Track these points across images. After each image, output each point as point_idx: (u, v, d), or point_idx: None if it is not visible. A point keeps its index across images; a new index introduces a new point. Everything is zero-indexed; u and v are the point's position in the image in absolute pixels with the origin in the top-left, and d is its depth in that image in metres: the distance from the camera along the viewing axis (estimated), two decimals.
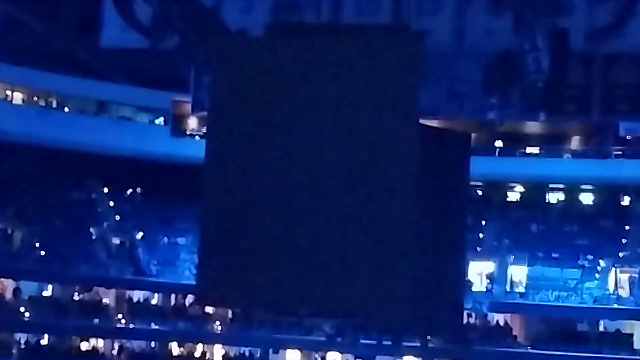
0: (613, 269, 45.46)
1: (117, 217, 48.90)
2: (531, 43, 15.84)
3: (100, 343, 46.49)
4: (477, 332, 44.79)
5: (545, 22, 15.89)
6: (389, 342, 40.79)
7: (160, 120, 50.27)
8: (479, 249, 45.90)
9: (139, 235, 48.20)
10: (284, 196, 14.73)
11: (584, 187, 49.21)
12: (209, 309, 45.13)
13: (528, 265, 46.30)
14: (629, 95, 19.03)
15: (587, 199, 49.64)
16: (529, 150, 48.65)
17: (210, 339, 46.65)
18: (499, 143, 48.09)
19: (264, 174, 14.82)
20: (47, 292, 46.80)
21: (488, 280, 45.51)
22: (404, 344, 41.29)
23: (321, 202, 14.60)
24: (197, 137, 47.34)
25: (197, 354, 46.92)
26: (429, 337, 38.98)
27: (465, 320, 42.04)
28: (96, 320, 45.33)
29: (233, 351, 46.74)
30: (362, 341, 42.19)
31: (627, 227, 47.11)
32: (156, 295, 48.03)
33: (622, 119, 41.90)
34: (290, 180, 14.73)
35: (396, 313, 14.94)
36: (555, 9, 16.17)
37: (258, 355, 46.45)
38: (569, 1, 16.72)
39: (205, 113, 17.23)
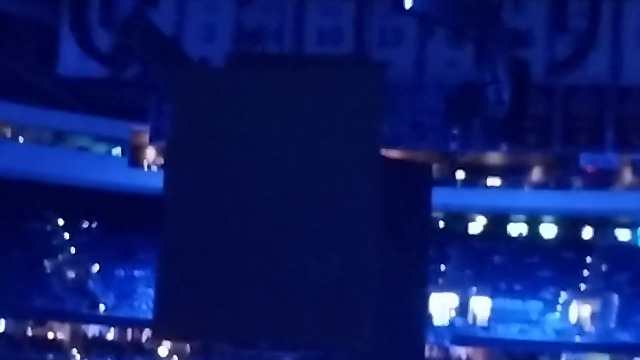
0: (575, 301, 45.61)
1: (73, 250, 48.35)
2: (492, 75, 15.90)
3: None
4: None
5: (506, 54, 15.96)
6: None
7: (117, 151, 49.91)
8: (440, 280, 45.85)
9: (95, 268, 47.68)
10: (244, 228, 14.58)
11: (545, 218, 49.45)
12: (167, 344, 44.63)
13: (490, 298, 46.33)
14: (590, 126, 19.07)
15: (548, 230, 49.86)
16: (490, 181, 48.85)
17: None
18: (460, 174, 48.24)
19: (223, 205, 14.67)
20: (0, 328, 46.06)
21: (450, 313, 45.44)
22: None
23: (282, 234, 14.48)
24: (154, 168, 47.02)
25: None
26: None
27: (427, 353, 41.86)
28: (50, 356, 44.66)
29: None
30: None
31: (588, 259, 47.34)
32: (112, 329, 47.46)
33: (583, 151, 42.34)
34: (250, 211, 14.60)
35: (357, 346, 14.79)
36: (516, 41, 16.26)
37: None
38: (529, 33, 16.80)
39: (163, 143, 17.02)
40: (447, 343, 44.14)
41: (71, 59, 18.44)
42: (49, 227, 48.96)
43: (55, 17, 18.51)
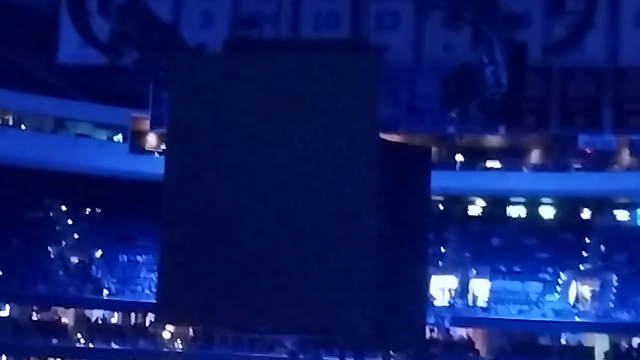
0: (574, 282, 45.75)
1: (76, 236, 48.46)
2: (489, 57, 15.88)
3: None
4: (440, 346, 44.87)
5: (503, 36, 15.94)
6: (352, 358, 40.73)
7: (119, 137, 49.96)
8: (440, 263, 46.00)
9: (98, 253, 47.81)
10: (244, 212, 14.66)
11: (544, 200, 49.55)
12: (170, 327, 44.81)
13: (490, 279, 46.48)
14: (587, 108, 19.08)
15: (547, 212, 49.97)
16: (489, 164, 48.91)
17: (172, 358, 46.29)
18: (459, 157, 48.30)
19: (224, 191, 14.75)
20: (5, 312, 46.24)
21: (450, 295, 45.61)
22: (367, 359, 41.23)
23: (282, 218, 14.55)
24: (156, 154, 47.09)
25: None
26: (391, 353, 38.97)
27: (427, 335, 42.08)
28: (55, 340, 44.86)
29: None
30: (325, 357, 42.09)
31: (587, 240, 47.45)
32: (116, 314, 47.64)
33: (581, 132, 42.35)
34: (250, 196, 14.67)
35: (358, 329, 14.89)
36: (513, 23, 16.24)
37: None
38: (526, 15, 16.79)
39: (164, 129, 17.07)
40: (447, 324, 44.32)
41: (70, 47, 18.47)
42: (51, 214, 49.09)
43: (54, 6, 18.55)
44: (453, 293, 45.68)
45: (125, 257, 48.33)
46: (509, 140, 46.44)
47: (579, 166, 47.13)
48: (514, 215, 50.13)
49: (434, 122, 19.37)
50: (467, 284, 46.34)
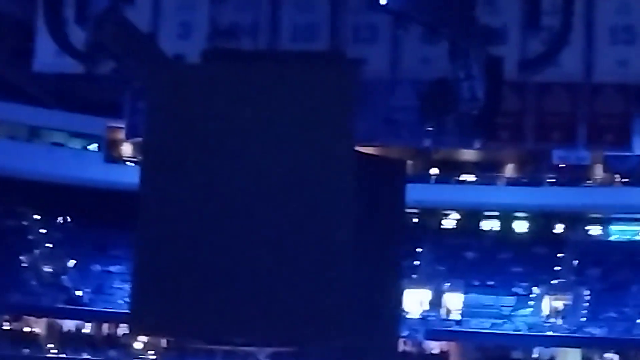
0: (547, 296, 45.94)
1: (49, 245, 48.18)
2: (466, 71, 15.96)
3: None
4: (413, 359, 44.87)
5: (480, 51, 16.04)
6: None
7: (94, 146, 49.75)
8: (414, 276, 46.05)
9: (71, 263, 47.54)
10: (219, 224, 14.64)
11: (518, 214, 49.76)
12: (143, 338, 44.59)
13: (463, 293, 46.58)
14: (562, 123, 19.22)
15: (521, 226, 50.18)
16: (464, 177, 49.08)
17: None
18: (434, 170, 48.43)
19: (198, 202, 14.71)
20: None
21: (424, 308, 45.66)
22: None
23: (257, 230, 14.53)
24: (131, 164, 46.92)
25: None
26: None
27: (401, 348, 42.06)
28: (26, 350, 44.54)
29: None
30: None
31: (560, 255, 47.67)
32: (88, 324, 47.37)
33: (556, 147, 42.52)
34: (225, 207, 14.65)
35: (332, 341, 14.88)
36: (490, 37, 16.33)
37: None
38: (503, 30, 16.89)
39: (140, 139, 17.03)
40: (420, 337, 44.35)
41: (46, 55, 18.40)
42: (25, 223, 48.79)
43: (30, 13, 18.47)
44: (427, 306, 45.72)
45: (98, 267, 48.11)
46: (484, 154, 46.62)
47: (553, 181, 47.37)
48: (488, 229, 50.32)
49: (410, 135, 19.44)
50: (441, 297, 46.43)
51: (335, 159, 14.64)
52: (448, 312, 46.07)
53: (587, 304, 45.11)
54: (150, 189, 15.11)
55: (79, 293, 46.48)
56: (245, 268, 14.48)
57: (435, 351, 45.97)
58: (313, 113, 14.71)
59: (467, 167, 48.94)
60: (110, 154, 49.16)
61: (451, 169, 48.39)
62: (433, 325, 44.88)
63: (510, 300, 46.13)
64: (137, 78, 17.05)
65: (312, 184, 14.55)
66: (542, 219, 49.36)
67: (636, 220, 49.14)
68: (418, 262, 47.41)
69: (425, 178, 46.87)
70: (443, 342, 46.09)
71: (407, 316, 42.93)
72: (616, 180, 46.95)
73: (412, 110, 18.07)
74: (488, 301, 46.12)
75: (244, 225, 14.56)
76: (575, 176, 46.52)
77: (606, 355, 44.47)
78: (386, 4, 15.10)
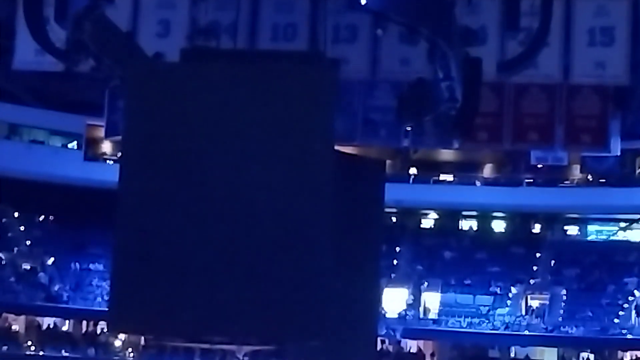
0: (524, 295, 46.12)
1: (28, 242, 48.00)
2: (445, 72, 16.04)
3: None
4: (391, 358, 44.97)
5: (459, 52, 16.13)
6: None
7: (73, 144, 49.57)
8: (392, 275, 46.15)
9: (51, 260, 47.39)
10: (198, 222, 14.66)
11: (496, 214, 49.92)
12: (122, 336, 44.50)
13: (441, 292, 46.70)
14: (540, 124, 19.37)
15: (499, 226, 50.37)
16: (442, 177, 49.18)
17: None
18: (413, 170, 48.52)
19: (177, 200, 14.73)
20: None
21: (402, 307, 45.77)
22: None
23: (236, 229, 14.56)
24: (110, 162, 46.78)
25: None
26: None
27: (379, 346, 42.17)
28: (5, 348, 44.36)
29: None
30: None
31: (537, 255, 47.87)
32: (67, 322, 47.24)
33: (533, 148, 42.65)
34: (204, 206, 14.67)
35: (310, 340, 14.94)
36: (469, 39, 16.43)
37: None
38: (481, 31, 17.00)
39: (119, 137, 17.05)
40: (398, 336, 44.43)
41: (26, 53, 18.40)
42: (3, 220, 48.56)
43: (10, 12, 18.46)
44: (405, 305, 45.83)
45: (77, 264, 47.95)
46: (463, 154, 46.75)
47: (530, 181, 47.54)
48: (466, 229, 50.48)
49: (389, 135, 19.54)
50: (419, 296, 46.54)
51: (314, 158, 14.69)
52: (426, 311, 46.18)
53: (564, 303, 45.31)
54: (129, 187, 15.13)
55: (57, 291, 46.30)
56: (223, 266, 14.52)
57: (413, 350, 46.07)
58: (292, 112, 14.75)
59: (445, 167, 49.03)
60: (90, 152, 48.99)
61: (430, 169, 48.47)
62: (411, 324, 44.95)
63: (487, 299, 46.25)
64: (116, 76, 17.08)
65: (291, 183, 14.60)
66: (519, 219, 49.55)
67: (613, 220, 49.41)
68: (396, 262, 47.49)
69: (403, 178, 46.93)
70: (420, 341, 46.20)
71: (386, 315, 43.00)
72: (593, 180, 47.17)
73: (390, 111, 18.18)
74: (466, 300, 46.23)
75: (222, 223, 14.60)
76: (553, 177, 46.68)
77: (582, 354, 44.73)
78: (366, 4, 15.20)
